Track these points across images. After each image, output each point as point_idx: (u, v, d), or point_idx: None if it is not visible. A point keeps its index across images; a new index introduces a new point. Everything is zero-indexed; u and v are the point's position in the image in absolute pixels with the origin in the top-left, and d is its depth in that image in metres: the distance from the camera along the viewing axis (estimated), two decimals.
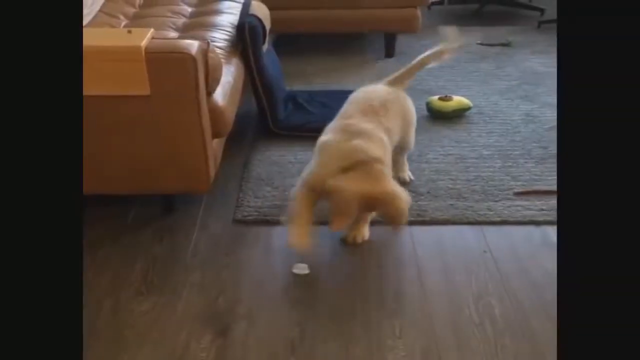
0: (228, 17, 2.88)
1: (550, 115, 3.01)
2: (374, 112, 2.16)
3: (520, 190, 2.42)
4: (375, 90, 2.31)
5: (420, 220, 2.26)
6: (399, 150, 2.36)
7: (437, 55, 2.38)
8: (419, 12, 3.70)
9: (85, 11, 2.67)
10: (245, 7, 2.91)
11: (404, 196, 1.98)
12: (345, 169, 1.95)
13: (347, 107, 2.25)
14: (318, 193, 1.99)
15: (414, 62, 2.39)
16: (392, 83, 2.36)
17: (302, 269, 2.02)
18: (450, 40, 2.38)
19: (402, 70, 2.39)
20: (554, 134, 2.83)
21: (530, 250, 2.12)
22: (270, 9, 3.11)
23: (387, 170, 2.02)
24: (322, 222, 2.23)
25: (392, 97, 2.27)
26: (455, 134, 2.85)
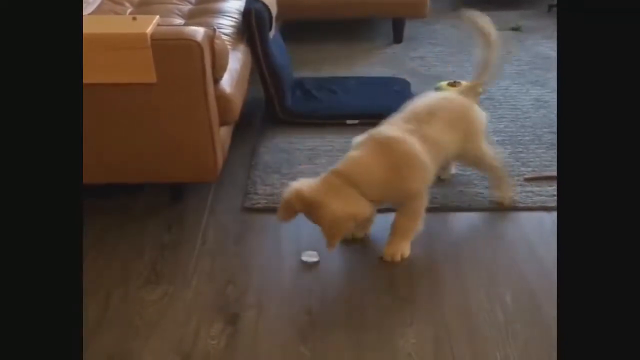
0: (234, 3, 2.85)
1: None
2: (416, 119, 2.03)
3: (531, 175, 2.40)
4: (430, 96, 2.20)
5: (431, 207, 2.24)
6: (465, 162, 2.27)
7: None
8: None
9: None
10: None
11: (337, 215, 1.84)
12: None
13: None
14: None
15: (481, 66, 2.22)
16: (464, 92, 2.23)
17: (311, 256, 2.01)
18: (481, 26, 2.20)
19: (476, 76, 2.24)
20: None
21: (541, 236, 2.10)
22: None
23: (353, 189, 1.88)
24: None
25: (447, 104, 2.12)
26: None
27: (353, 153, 1.96)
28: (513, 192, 2.26)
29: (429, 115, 2.05)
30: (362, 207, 1.90)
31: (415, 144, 1.95)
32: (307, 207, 1.88)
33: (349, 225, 1.89)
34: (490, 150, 2.22)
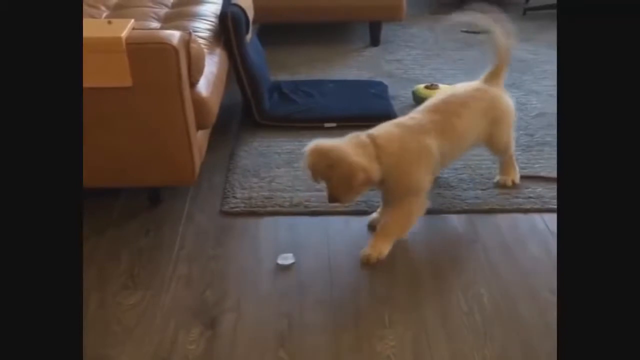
0: (210, 6, 2.85)
1: (536, 103, 3.01)
2: (445, 111, 2.10)
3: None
4: (462, 87, 2.27)
5: None
6: (491, 151, 2.34)
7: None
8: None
9: None
10: None
11: (352, 164, 1.89)
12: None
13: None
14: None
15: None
16: (487, 80, 2.26)
17: (286, 258, 2.01)
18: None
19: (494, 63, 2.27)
20: (540, 122, 2.83)
21: (518, 238, 2.12)
22: None
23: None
24: (308, 213, 2.23)
25: (480, 95, 2.19)
26: None
27: (390, 127, 2.04)
28: (517, 176, 2.37)
29: (461, 106, 2.12)
30: (374, 168, 1.93)
31: (430, 138, 2.02)
32: (324, 155, 1.92)
33: (360, 179, 1.90)
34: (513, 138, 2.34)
